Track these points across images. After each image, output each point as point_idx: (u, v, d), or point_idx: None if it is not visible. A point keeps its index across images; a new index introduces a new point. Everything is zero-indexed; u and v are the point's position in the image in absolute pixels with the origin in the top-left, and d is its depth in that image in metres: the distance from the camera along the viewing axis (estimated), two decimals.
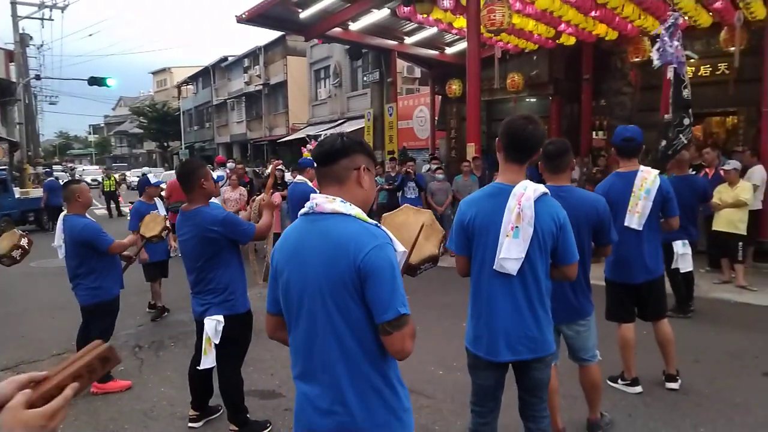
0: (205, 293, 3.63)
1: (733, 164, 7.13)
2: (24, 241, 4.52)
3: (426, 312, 6.16)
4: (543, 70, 15.37)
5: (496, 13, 9.71)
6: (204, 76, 43.81)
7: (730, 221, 6.91)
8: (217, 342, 3.57)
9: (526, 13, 11.30)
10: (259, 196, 4.17)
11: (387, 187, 11.18)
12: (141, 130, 53.49)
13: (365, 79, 15.93)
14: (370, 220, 1.76)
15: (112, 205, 19.73)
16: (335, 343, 1.73)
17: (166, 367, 5.16)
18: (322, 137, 3.17)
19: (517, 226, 2.36)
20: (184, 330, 6.04)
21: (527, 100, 16.28)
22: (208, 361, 3.66)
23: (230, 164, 11.56)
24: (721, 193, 6.99)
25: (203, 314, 3.62)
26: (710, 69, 14.17)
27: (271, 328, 2.00)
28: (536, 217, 2.39)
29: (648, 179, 3.74)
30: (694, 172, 7.35)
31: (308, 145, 16.58)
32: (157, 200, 7.19)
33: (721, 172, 7.48)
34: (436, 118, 17.78)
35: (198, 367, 3.71)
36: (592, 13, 11.37)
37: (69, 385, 1.11)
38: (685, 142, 6.48)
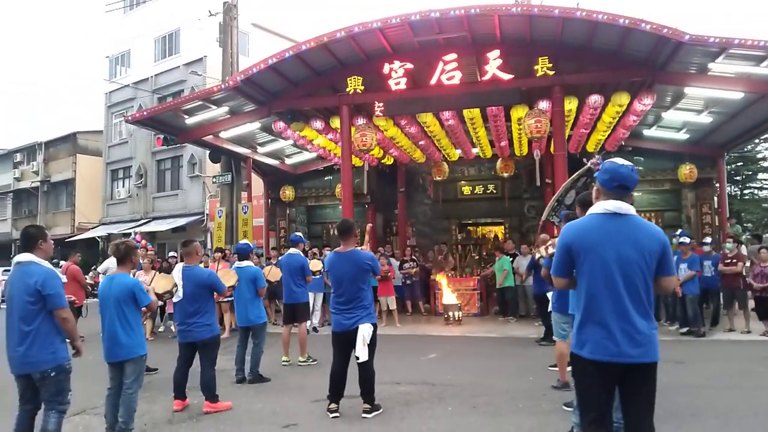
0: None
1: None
2: (175, 289, 5.43)
3: None
4: (362, 183, 18.72)
5: (367, 136, 12.71)
6: None
7: None
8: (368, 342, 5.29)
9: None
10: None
11: None
12: None
13: (214, 180, 17.37)
14: None
15: None
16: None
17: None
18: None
19: None
20: None
21: None
22: (364, 354, 5.20)
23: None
24: None
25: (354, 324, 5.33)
26: (482, 189, 18.93)
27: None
28: None
29: None
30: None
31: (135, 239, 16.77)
32: None
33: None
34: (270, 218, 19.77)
35: (358, 361, 5.21)
36: (420, 142, 15.13)
37: None
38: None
